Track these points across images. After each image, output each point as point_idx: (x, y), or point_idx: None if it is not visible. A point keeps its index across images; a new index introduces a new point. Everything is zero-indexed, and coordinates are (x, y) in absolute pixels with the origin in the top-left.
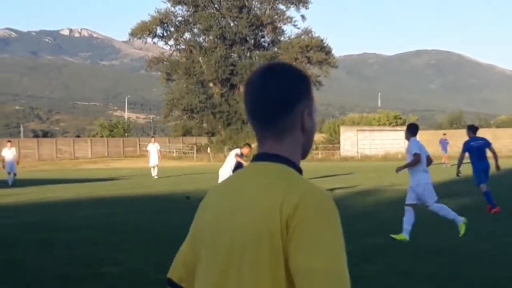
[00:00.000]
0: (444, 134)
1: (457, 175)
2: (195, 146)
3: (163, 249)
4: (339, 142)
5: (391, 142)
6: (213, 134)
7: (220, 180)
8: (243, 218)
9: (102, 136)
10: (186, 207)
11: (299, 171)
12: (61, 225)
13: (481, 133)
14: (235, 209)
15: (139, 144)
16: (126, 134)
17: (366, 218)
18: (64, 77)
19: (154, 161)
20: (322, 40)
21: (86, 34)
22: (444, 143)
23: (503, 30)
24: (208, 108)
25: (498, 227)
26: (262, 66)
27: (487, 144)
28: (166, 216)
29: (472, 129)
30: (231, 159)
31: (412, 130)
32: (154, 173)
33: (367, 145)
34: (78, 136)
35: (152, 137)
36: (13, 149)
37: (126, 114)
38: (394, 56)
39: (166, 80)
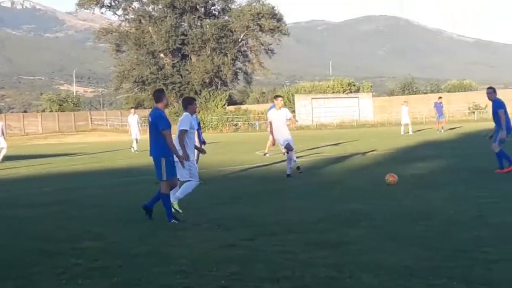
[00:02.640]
0: (440, 98)
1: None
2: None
3: (139, 221)
4: (294, 111)
5: (346, 109)
6: (166, 106)
7: None
8: None
9: (51, 111)
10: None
11: None
12: (23, 201)
13: (433, 98)
14: None
15: (91, 118)
16: (76, 108)
17: (339, 185)
18: (7, 51)
19: (136, 133)
20: (273, 7)
21: (28, 6)
22: (439, 107)
23: None
24: (159, 80)
25: (471, 189)
26: None
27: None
28: (131, 189)
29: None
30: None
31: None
32: (135, 146)
33: (322, 113)
34: (25, 112)
35: (131, 107)
36: None
37: (74, 88)
38: (342, 22)
39: (115, 52)
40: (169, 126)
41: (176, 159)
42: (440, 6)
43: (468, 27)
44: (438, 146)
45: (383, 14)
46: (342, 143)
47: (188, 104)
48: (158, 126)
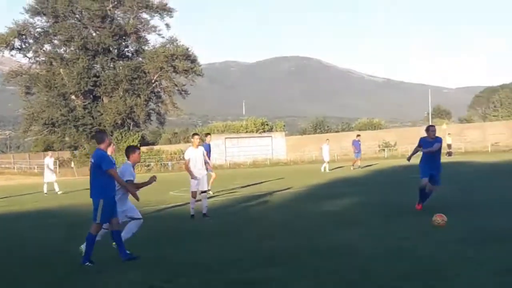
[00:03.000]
0: (358, 135)
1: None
2: (57, 161)
3: (54, 264)
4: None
5: (259, 148)
6: (76, 148)
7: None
8: None
9: None
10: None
11: None
12: None
13: (345, 136)
14: None
15: None
16: None
17: (257, 223)
18: None
19: (50, 176)
20: (187, 49)
21: None
22: (357, 145)
23: (359, 35)
24: (70, 121)
25: (392, 226)
26: None
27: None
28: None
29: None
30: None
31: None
32: (45, 189)
33: (235, 153)
34: None
35: (48, 151)
36: None
37: None
38: (256, 63)
39: (25, 94)
40: (113, 165)
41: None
42: (351, 47)
43: (378, 67)
44: (354, 183)
45: (295, 55)
46: (262, 182)
47: (131, 153)
48: (102, 167)
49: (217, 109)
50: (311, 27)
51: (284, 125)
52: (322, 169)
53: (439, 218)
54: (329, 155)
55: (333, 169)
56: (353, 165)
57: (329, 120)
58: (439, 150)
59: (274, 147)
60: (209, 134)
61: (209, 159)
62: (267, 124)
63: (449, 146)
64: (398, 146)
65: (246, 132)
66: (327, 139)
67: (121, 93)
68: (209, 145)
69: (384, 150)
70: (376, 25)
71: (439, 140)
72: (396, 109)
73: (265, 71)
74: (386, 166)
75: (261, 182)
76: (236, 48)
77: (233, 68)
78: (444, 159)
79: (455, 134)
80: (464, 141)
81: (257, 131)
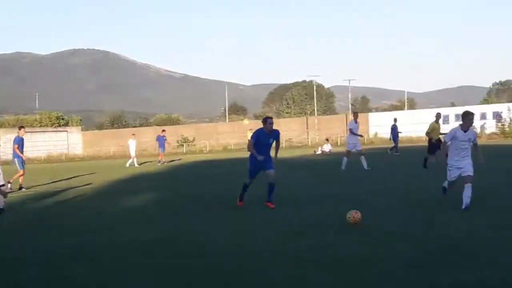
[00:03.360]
0: (163, 131)
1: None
2: None
3: None
4: None
5: (55, 143)
6: None
7: None
8: None
9: None
10: None
11: None
12: None
13: (142, 132)
14: None
15: None
16: None
17: (53, 221)
18: None
19: None
20: None
21: None
22: (162, 140)
23: (157, 30)
24: None
25: (192, 216)
26: None
27: None
28: None
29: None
30: None
31: None
32: None
33: (29, 148)
34: None
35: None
36: None
37: None
38: (50, 55)
39: None
40: None
41: None
42: (149, 41)
43: (176, 62)
44: (159, 178)
45: (92, 47)
46: (65, 179)
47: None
48: None
49: (8, 102)
50: (109, 21)
51: (80, 120)
52: (128, 164)
53: (355, 215)
54: (135, 150)
55: (142, 163)
56: (159, 161)
57: (127, 115)
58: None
59: (70, 142)
60: (22, 127)
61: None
62: (62, 119)
63: None
64: (196, 141)
65: (40, 126)
66: (133, 134)
67: None
68: (21, 139)
69: (183, 145)
70: (173, 20)
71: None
72: (194, 105)
73: (60, 64)
74: (191, 161)
75: (62, 180)
76: (29, 38)
77: (25, 59)
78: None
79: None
80: None
81: (52, 125)
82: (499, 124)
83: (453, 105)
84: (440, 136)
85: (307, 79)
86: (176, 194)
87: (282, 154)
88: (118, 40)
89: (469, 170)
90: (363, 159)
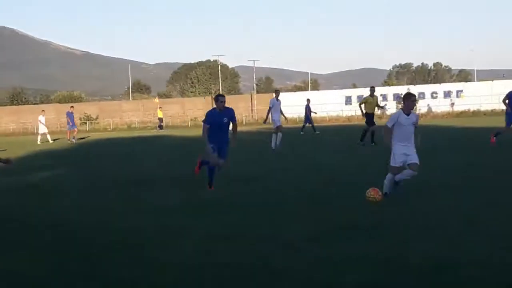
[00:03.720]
0: (72, 107)
1: None
2: None
3: None
4: None
5: None
6: None
7: None
8: None
9: None
10: None
11: None
12: None
13: (44, 108)
14: None
15: None
16: None
17: None
18: None
19: None
20: None
21: None
22: (71, 116)
23: (56, 5)
24: None
25: (101, 198)
26: None
27: None
28: None
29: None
30: None
31: None
32: None
33: None
34: None
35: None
36: None
37: None
38: None
39: None
40: None
41: None
42: (48, 17)
43: (77, 39)
44: (64, 156)
45: None
46: None
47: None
48: None
49: None
50: None
51: None
52: (39, 141)
53: (374, 193)
54: (45, 127)
55: (55, 140)
56: (70, 138)
57: (26, 92)
58: None
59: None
60: None
61: None
62: None
63: (160, 120)
64: (100, 119)
65: None
66: (43, 110)
67: None
68: None
69: (86, 123)
70: None
71: None
72: (96, 83)
73: None
74: (99, 138)
75: None
76: None
77: None
78: (157, 132)
79: (154, 109)
80: (165, 116)
81: None
82: (399, 106)
83: (355, 86)
84: (376, 109)
85: (212, 59)
86: (73, 171)
87: (187, 133)
88: (16, 15)
89: (415, 158)
90: (278, 136)
